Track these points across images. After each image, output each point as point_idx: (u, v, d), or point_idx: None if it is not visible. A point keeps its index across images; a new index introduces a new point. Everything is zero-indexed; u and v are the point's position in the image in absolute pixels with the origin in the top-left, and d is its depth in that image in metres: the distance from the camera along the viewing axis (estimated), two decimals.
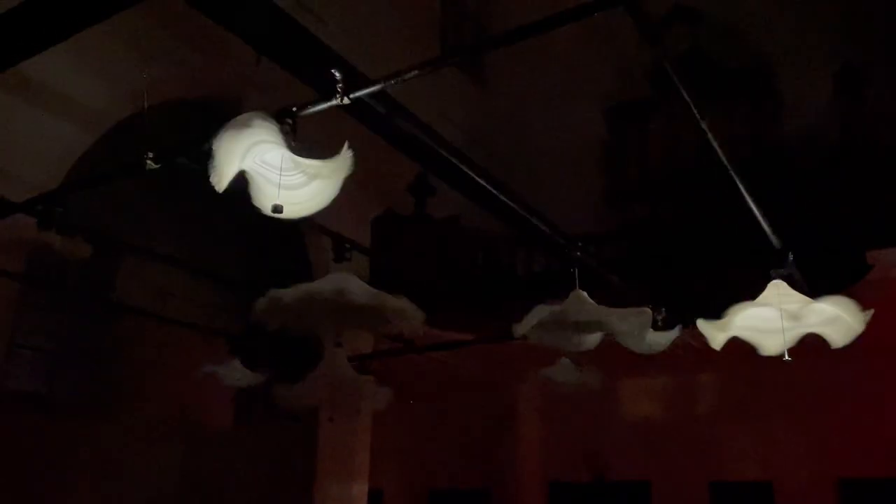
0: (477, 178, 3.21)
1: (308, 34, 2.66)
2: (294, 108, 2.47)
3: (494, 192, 3.31)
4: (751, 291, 2.90)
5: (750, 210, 3.37)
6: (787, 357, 2.85)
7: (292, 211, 2.28)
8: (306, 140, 2.40)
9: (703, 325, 2.97)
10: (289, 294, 2.83)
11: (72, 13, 2.57)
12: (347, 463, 8.32)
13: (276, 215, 2.22)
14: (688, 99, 2.50)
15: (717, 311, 2.96)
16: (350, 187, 2.30)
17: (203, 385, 5.24)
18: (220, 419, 9.67)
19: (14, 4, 2.56)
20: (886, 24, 8.61)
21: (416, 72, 2.50)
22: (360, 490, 8.38)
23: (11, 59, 2.84)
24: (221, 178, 2.14)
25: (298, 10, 6.58)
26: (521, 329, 2.97)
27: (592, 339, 3.34)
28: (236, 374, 4.98)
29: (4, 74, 2.98)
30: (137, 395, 9.07)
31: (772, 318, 2.84)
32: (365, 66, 2.98)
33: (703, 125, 2.66)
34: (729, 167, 3.03)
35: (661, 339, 3.81)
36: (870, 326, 2.74)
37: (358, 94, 2.50)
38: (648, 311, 3.05)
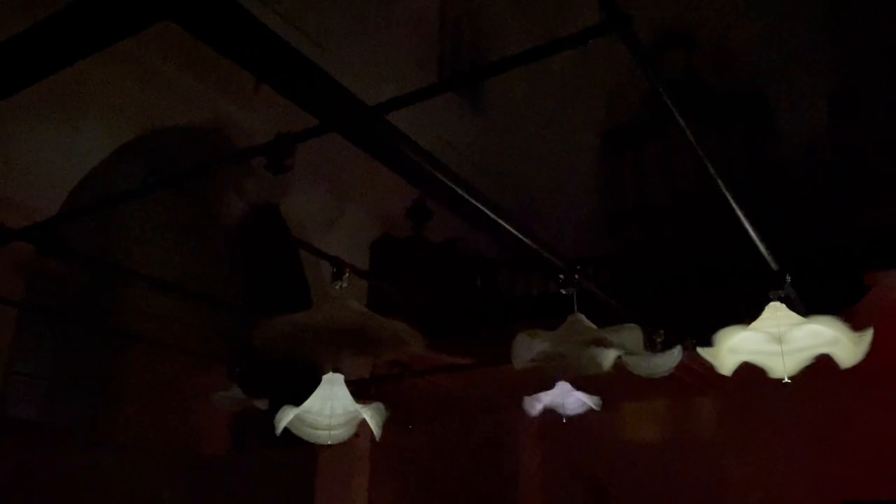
0: (475, 202, 3.23)
1: (306, 61, 2.69)
2: (292, 135, 2.49)
3: (492, 215, 3.32)
4: (748, 314, 2.90)
5: (747, 232, 3.38)
6: (786, 379, 2.84)
7: None
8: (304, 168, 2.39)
9: (708, 352, 2.96)
10: (286, 320, 2.81)
11: (73, 42, 2.60)
12: (346, 489, 8.25)
13: None
14: (682, 125, 2.53)
15: (714, 334, 2.96)
16: (348, 211, 2.31)
17: (201, 410, 5.18)
18: (217, 444, 9.59)
19: (17, 28, 2.59)
20: (880, 46, 8.70)
21: (414, 100, 2.52)
22: None
23: (12, 87, 2.87)
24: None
25: (296, 36, 6.65)
26: (518, 364, 2.96)
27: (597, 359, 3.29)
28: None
29: (4, 101, 3.00)
30: (136, 422, 8.99)
31: (777, 341, 2.83)
32: (362, 91, 3.01)
33: (699, 150, 2.68)
34: (725, 190, 3.04)
35: (664, 362, 3.82)
36: (871, 348, 2.73)
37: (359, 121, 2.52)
38: (636, 326, 3.03)
